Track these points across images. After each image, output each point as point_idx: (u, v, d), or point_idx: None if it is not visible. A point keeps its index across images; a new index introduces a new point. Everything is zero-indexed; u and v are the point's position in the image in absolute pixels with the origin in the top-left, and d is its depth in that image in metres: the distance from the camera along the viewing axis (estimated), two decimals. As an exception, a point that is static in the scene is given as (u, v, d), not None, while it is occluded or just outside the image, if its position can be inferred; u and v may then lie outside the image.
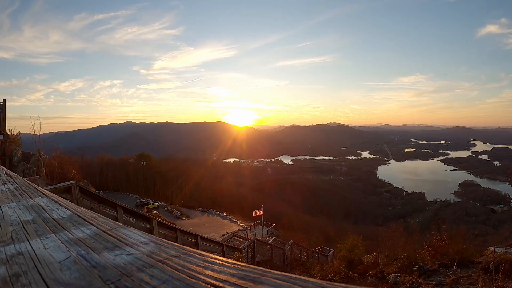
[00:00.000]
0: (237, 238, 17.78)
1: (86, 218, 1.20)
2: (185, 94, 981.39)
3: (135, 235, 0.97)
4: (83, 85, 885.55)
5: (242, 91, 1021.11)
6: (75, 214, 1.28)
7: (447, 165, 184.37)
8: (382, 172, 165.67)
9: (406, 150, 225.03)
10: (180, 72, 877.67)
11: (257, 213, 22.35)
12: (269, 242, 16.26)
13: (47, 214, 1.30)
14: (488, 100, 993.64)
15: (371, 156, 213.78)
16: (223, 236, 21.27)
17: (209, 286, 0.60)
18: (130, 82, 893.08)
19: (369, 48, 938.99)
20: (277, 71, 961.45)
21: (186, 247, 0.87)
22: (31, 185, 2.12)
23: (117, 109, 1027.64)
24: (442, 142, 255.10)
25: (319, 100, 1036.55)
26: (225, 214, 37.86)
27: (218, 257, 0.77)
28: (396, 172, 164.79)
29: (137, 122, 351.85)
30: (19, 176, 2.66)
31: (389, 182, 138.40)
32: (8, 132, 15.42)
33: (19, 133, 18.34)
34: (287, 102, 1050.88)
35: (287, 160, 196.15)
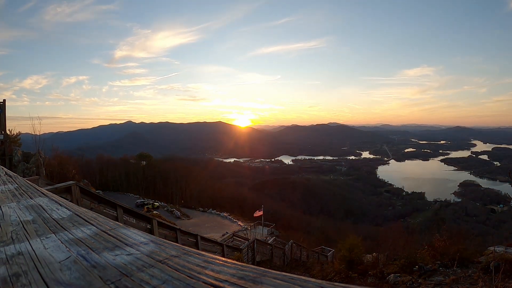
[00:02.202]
0: (237, 238, 17.75)
1: (86, 218, 1.20)
2: (165, 92, 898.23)
3: (135, 235, 0.97)
4: (47, 82, 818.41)
5: (230, 88, 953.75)
6: (75, 214, 1.28)
7: (447, 165, 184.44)
8: (382, 172, 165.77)
9: (406, 150, 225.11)
10: (150, 65, 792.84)
11: (258, 213, 22.42)
12: (269, 242, 16.26)
13: (47, 214, 1.30)
14: (494, 98, 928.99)
15: (371, 156, 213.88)
16: (223, 236, 21.25)
17: (209, 286, 0.60)
18: (98, 78, 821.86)
19: (368, 31, 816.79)
20: (263, 61, 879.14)
21: (186, 247, 0.87)
22: (31, 185, 2.12)
23: (102, 109, 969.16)
24: (442, 142, 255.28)
25: (315, 98, 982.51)
26: (225, 214, 37.88)
27: (218, 257, 0.77)
28: (396, 172, 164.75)
29: (137, 122, 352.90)
30: (19, 176, 2.67)
31: (389, 182, 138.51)
32: (8, 132, 15.43)
33: (19, 133, 18.39)
34: (283, 101, 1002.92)
35: (287, 160, 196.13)
